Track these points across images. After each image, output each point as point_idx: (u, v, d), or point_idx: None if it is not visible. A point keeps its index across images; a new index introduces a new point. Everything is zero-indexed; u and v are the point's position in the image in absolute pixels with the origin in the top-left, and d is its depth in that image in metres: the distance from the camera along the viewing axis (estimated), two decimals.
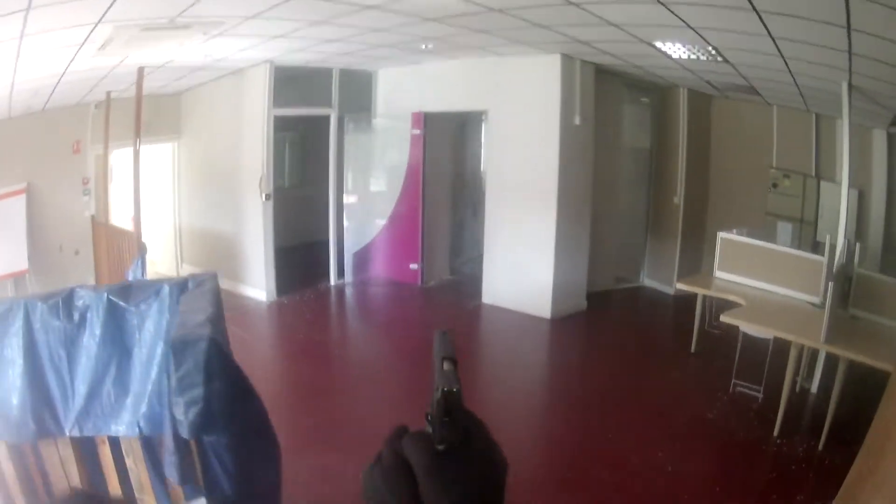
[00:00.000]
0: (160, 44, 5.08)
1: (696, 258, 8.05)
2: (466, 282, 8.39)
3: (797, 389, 4.96)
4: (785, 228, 6.78)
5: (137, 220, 6.39)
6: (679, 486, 3.90)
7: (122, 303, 2.30)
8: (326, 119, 7.96)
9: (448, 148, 8.66)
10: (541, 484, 3.86)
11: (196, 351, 1.83)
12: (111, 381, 2.29)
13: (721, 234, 5.89)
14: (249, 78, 7.29)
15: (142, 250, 6.24)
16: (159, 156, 8.36)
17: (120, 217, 7.20)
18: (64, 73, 5.48)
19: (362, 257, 8.57)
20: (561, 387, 5.73)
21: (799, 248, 6.25)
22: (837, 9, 3.01)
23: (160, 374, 2.23)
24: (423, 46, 6.50)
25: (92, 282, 7.56)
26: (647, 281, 8.53)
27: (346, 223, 8.41)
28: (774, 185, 7.06)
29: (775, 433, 4.44)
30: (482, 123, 8.71)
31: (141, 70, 6.04)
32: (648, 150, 8.29)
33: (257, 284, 7.68)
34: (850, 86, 4.55)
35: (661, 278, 8.27)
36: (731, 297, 5.30)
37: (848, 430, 4.16)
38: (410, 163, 8.07)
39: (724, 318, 4.71)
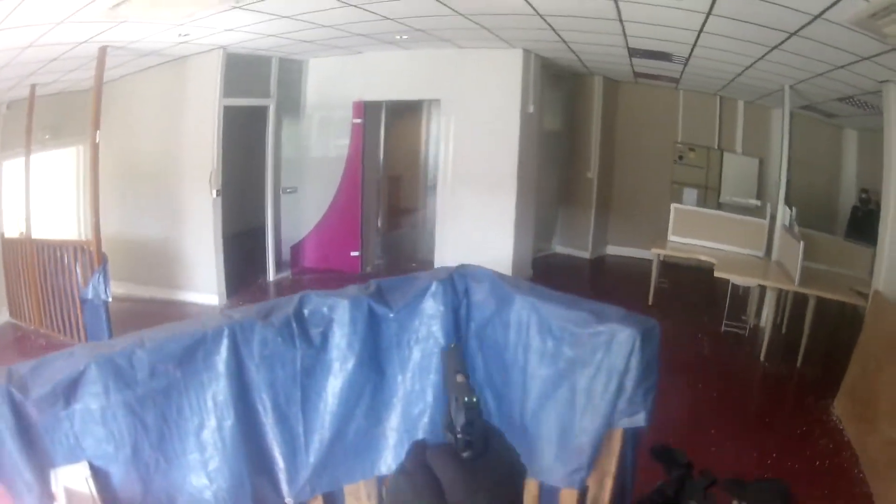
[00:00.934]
0: (180, 9, 4.59)
1: (605, 225, 9.35)
2: (399, 262, 8.78)
3: (750, 325, 6.35)
4: (690, 193, 8.29)
5: (97, 229, 5.83)
6: (696, 403, 5.00)
7: (382, 309, 1.81)
8: (262, 109, 7.73)
9: (381, 136, 8.95)
10: None
11: (654, 337, 1.75)
12: (363, 414, 1.77)
13: (674, 205, 7.11)
14: (196, 67, 6.77)
15: (103, 262, 5.76)
16: (56, 162, 7.31)
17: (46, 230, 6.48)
18: (28, 46, 4.68)
19: (300, 248, 8.46)
20: None
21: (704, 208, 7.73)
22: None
23: (439, 388, 1.85)
24: (398, 37, 6.67)
25: (5, 310, 6.63)
26: (560, 248, 9.62)
27: (283, 215, 8.23)
28: (680, 157, 8.53)
29: (762, 358, 5.75)
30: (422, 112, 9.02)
31: (103, 50, 5.38)
32: (560, 131, 9.30)
33: (204, 288, 7.14)
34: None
35: (576, 244, 9.41)
36: (701, 257, 6.52)
37: (813, 351, 5.62)
38: (350, 151, 8.09)
39: (717, 274, 5.86)
